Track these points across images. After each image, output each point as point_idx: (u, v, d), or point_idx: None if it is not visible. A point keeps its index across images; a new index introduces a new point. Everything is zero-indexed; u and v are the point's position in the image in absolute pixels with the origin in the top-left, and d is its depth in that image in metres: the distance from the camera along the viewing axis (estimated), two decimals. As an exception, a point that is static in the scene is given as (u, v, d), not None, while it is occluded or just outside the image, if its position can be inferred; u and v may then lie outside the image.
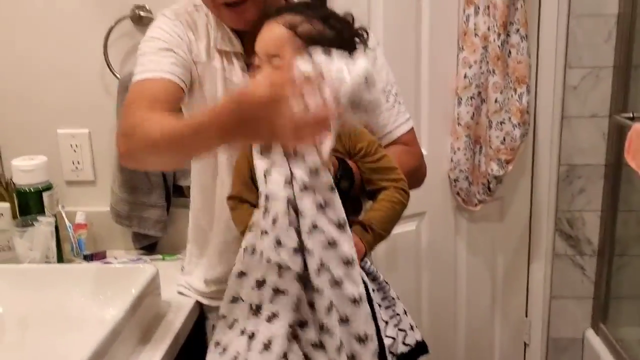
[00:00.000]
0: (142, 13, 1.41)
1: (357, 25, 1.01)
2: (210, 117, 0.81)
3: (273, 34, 0.95)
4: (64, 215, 1.41)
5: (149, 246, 1.50)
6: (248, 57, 1.06)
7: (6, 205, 1.34)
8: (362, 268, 0.97)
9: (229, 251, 1.07)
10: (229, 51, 1.08)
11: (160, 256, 1.46)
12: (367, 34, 1.01)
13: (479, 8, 1.73)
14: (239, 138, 0.84)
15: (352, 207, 1.02)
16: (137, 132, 0.91)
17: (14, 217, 1.36)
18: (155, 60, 1.02)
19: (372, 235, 0.98)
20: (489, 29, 1.73)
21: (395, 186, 1.00)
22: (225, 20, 1.05)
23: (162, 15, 1.10)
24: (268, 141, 0.89)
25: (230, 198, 1.02)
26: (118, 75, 1.42)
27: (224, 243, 1.14)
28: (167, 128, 0.88)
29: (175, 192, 1.49)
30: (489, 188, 1.85)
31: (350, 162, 0.99)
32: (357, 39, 1.00)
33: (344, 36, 0.97)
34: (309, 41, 0.93)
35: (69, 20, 1.44)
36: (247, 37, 1.06)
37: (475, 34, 1.75)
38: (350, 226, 0.93)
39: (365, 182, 1.01)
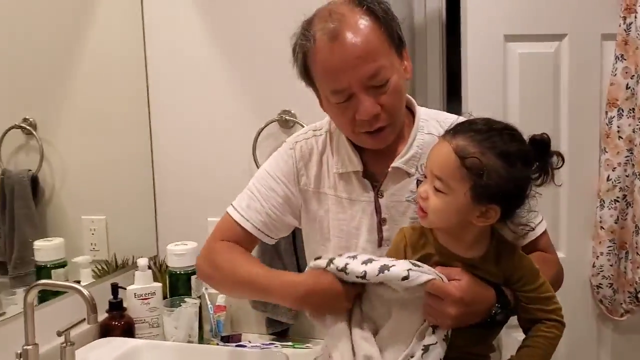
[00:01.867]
0: (287, 117, 1.56)
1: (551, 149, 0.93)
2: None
3: (442, 156, 0.91)
4: (206, 297, 1.53)
5: (280, 332, 1.56)
6: (369, 175, 1.11)
7: (158, 285, 1.49)
8: None
9: None
10: (349, 172, 1.11)
11: (290, 343, 1.51)
12: (563, 160, 0.94)
13: (622, 110, 1.69)
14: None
15: (498, 330, 1.02)
16: (215, 263, 1.14)
17: (164, 296, 1.50)
18: (250, 200, 1.17)
19: None
20: (634, 131, 1.67)
21: (551, 319, 0.98)
22: (364, 144, 1.09)
23: (284, 143, 1.22)
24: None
25: None
26: (264, 171, 1.56)
27: None
28: (239, 275, 1.10)
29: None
30: (636, 297, 1.72)
31: (506, 290, 0.98)
32: (547, 169, 0.92)
33: (520, 174, 0.90)
34: (474, 174, 0.88)
35: (225, 120, 1.63)
36: (367, 154, 1.11)
37: (619, 137, 1.69)
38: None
39: (520, 309, 0.98)
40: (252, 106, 1.60)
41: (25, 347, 1.08)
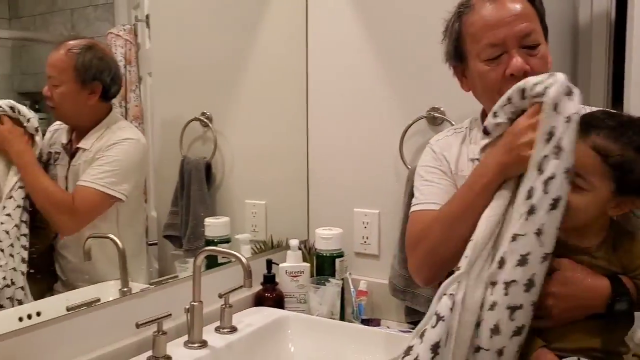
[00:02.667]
0: (435, 114, 1.61)
1: None
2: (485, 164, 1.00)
3: (580, 154, 0.90)
4: (349, 281, 1.63)
5: (419, 321, 1.60)
6: None
7: (307, 265, 1.62)
8: None
9: None
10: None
11: (426, 333, 1.56)
12: None
13: None
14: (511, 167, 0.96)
15: (625, 323, 0.99)
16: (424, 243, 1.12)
17: (311, 275, 1.64)
18: (424, 191, 1.22)
19: None
20: None
21: None
22: None
23: (430, 142, 1.30)
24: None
25: None
26: (409, 166, 1.62)
27: None
28: (441, 212, 1.09)
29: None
30: None
31: (625, 280, 0.96)
32: None
33: None
34: (617, 170, 0.91)
35: (375, 116, 1.72)
36: None
37: None
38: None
39: None
40: (401, 103, 1.67)
41: (192, 303, 1.25)
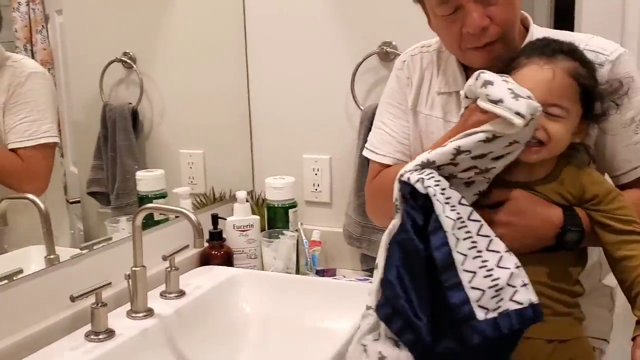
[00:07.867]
0: (388, 49, 1.49)
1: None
2: None
3: (557, 81, 0.88)
4: (302, 231, 1.53)
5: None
6: None
7: (256, 217, 1.49)
8: None
9: None
10: (451, 92, 1.08)
11: (385, 280, 1.50)
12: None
13: None
14: None
15: (577, 259, 0.94)
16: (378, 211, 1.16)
17: (262, 229, 1.51)
18: (379, 136, 1.16)
19: None
20: None
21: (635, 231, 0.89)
22: (470, 61, 1.03)
23: (396, 63, 1.20)
24: None
25: None
26: (361, 107, 1.51)
27: None
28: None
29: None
30: None
31: (579, 211, 0.91)
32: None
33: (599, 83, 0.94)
34: (588, 95, 0.90)
35: (322, 54, 1.58)
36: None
37: None
38: None
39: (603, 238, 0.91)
40: (350, 39, 1.54)
41: (133, 269, 1.11)
